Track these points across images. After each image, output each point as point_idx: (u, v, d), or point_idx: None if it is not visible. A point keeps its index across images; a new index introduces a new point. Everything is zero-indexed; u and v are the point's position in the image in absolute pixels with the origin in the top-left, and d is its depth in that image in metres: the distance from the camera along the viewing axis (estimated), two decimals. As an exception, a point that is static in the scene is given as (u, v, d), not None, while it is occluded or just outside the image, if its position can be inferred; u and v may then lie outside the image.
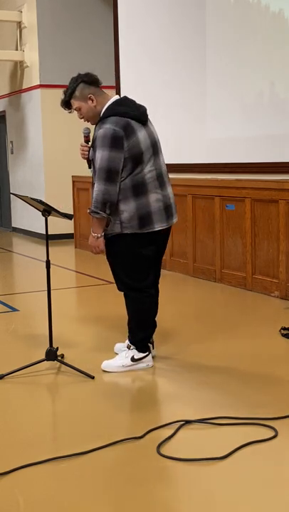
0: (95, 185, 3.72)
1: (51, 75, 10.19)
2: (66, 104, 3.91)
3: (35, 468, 2.77)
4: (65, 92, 3.89)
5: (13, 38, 11.04)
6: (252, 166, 6.73)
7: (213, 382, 3.79)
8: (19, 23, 10.78)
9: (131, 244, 3.83)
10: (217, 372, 3.97)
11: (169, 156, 7.42)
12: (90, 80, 3.86)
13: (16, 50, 10.92)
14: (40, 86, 10.26)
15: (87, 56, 10.26)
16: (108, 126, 3.67)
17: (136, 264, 3.88)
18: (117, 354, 4.15)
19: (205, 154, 7.47)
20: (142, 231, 3.79)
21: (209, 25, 7.24)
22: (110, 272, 4.06)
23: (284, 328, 4.75)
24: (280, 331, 4.75)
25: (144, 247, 3.86)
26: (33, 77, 10.53)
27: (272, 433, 3.05)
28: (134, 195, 3.75)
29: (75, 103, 3.87)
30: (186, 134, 7.77)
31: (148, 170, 3.79)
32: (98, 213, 3.71)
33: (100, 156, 3.67)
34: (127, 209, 3.75)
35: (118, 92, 8.82)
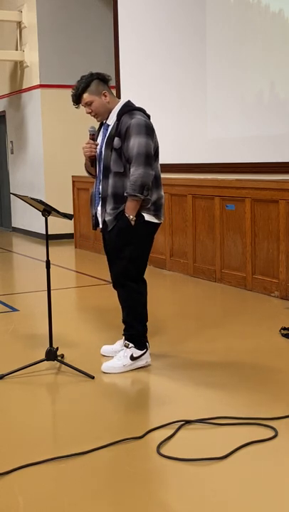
0: (133, 170, 3.76)
1: (51, 75, 10.18)
2: (78, 97, 3.92)
3: (35, 468, 2.77)
4: (77, 87, 3.91)
5: (13, 38, 11.04)
6: (252, 166, 6.73)
7: (213, 382, 3.79)
8: (19, 23, 10.78)
9: (148, 231, 3.94)
10: (217, 372, 3.97)
11: (169, 156, 7.46)
12: (104, 78, 3.96)
13: (16, 50, 10.92)
14: (40, 86, 10.25)
15: (87, 56, 10.26)
16: (140, 117, 3.82)
17: (145, 252, 4.00)
18: (104, 356, 4.18)
19: (205, 154, 7.46)
20: (158, 220, 3.95)
21: (209, 26, 7.24)
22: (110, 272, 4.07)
23: (284, 328, 4.75)
24: (280, 331, 4.75)
25: (152, 237, 4.02)
26: (33, 77, 10.53)
27: (272, 433, 3.05)
28: (155, 186, 3.90)
29: (88, 97, 3.90)
30: (186, 134, 7.77)
31: (157, 167, 3.97)
32: (137, 196, 3.77)
33: (137, 142, 3.76)
34: (152, 198, 3.87)
35: (118, 92, 8.82)
